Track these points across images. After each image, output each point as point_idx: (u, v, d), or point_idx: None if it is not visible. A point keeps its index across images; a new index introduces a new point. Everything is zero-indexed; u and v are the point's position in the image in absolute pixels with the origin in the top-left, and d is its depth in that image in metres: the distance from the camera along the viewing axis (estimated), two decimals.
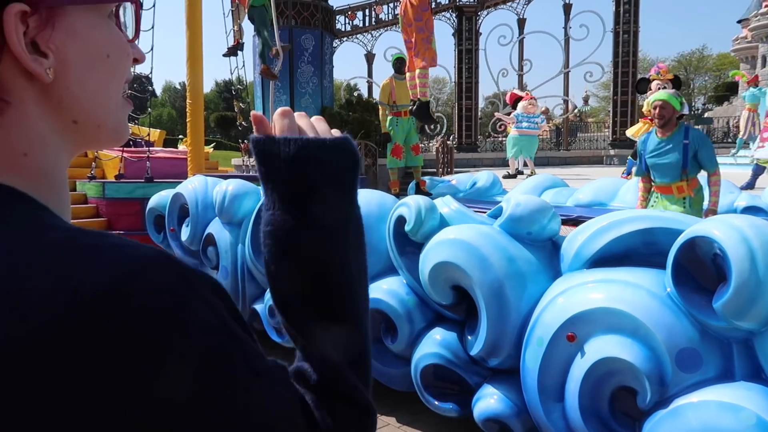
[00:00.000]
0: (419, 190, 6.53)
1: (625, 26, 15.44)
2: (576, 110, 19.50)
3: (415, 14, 6.31)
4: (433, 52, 6.46)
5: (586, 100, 23.60)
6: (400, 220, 3.10)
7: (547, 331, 2.41)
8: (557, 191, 5.59)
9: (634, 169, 7.44)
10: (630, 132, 8.54)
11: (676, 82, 7.16)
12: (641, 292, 2.23)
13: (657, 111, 3.86)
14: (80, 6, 0.48)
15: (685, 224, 2.30)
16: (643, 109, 7.86)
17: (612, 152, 15.20)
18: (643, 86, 7.54)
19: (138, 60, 0.55)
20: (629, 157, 8.03)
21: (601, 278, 2.40)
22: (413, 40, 6.45)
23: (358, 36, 17.76)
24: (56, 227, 0.43)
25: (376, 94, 9.57)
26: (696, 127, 7.68)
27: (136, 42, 0.56)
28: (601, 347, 2.24)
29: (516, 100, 10.47)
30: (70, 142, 0.51)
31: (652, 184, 4.01)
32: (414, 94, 6.67)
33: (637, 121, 9.73)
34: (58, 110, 0.48)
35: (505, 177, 9.08)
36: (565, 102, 17.16)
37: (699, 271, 2.22)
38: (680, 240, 2.17)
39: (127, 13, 0.56)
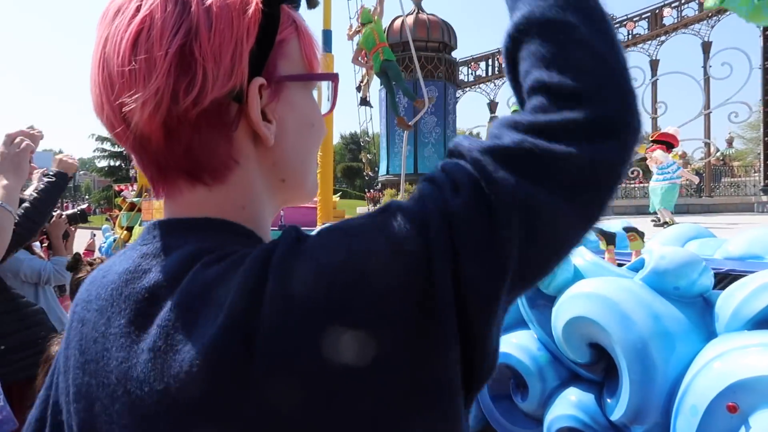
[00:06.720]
0: None
1: None
2: (719, 153, 18.02)
3: None
4: None
5: (730, 143, 21.68)
6: None
7: (703, 400, 2.16)
8: (702, 242, 5.10)
9: None
10: None
11: None
12: None
13: None
14: (298, 82, 0.56)
15: None
16: None
17: (764, 198, 13.78)
18: None
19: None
20: None
21: None
22: None
23: (480, 86, 17.95)
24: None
25: None
26: None
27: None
28: None
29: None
30: (275, 198, 0.59)
31: None
32: None
33: None
34: (273, 170, 0.56)
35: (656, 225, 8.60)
36: (707, 145, 15.94)
37: None
38: None
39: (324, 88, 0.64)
